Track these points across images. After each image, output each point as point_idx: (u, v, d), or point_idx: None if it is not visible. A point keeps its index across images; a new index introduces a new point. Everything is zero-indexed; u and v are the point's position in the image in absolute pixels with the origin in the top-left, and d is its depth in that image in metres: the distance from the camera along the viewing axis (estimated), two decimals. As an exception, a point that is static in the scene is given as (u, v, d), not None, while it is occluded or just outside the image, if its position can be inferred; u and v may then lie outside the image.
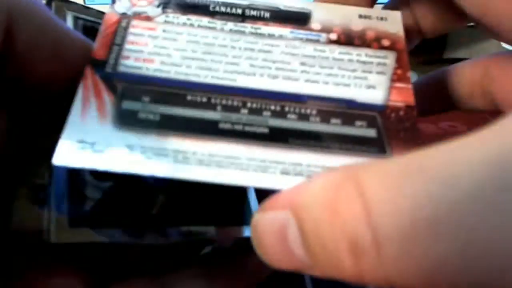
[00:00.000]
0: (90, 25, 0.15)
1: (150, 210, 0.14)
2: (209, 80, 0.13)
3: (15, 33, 0.11)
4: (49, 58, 0.12)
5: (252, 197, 0.18)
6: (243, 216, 0.18)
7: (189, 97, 0.13)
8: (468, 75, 0.16)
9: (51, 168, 0.11)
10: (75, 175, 0.12)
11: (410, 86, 0.14)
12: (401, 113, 0.14)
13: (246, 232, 0.16)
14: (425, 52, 0.41)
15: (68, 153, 0.11)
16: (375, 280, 0.08)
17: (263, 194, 0.11)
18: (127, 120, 0.12)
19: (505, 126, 0.08)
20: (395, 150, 0.13)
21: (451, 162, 0.08)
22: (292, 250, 0.09)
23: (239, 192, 0.18)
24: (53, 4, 0.15)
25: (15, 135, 0.12)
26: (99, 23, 0.15)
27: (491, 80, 0.16)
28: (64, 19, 0.15)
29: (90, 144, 0.11)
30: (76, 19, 0.15)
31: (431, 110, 0.18)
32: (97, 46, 0.13)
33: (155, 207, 0.14)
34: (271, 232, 0.10)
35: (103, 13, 0.15)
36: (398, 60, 0.15)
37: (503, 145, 0.08)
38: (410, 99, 0.14)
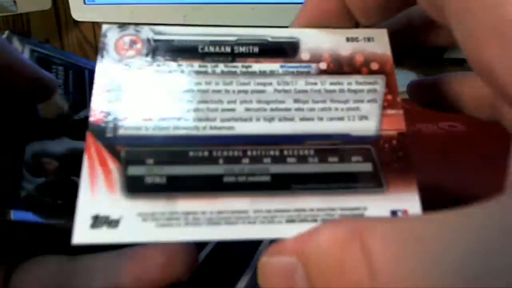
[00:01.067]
0: (44, 57, 0.20)
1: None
2: (208, 132, 0.14)
3: None
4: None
5: None
6: None
7: (191, 153, 0.13)
8: (478, 89, 0.16)
9: None
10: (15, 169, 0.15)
11: (401, 111, 0.15)
12: (394, 142, 0.14)
13: None
14: (425, 52, 0.40)
15: (86, 231, 0.12)
16: None
17: None
18: (135, 187, 0.13)
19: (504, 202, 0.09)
20: (390, 184, 0.13)
21: (443, 234, 0.09)
22: None
23: None
24: (14, 38, 0.20)
25: None
26: (50, 55, 0.20)
27: (503, 104, 0.15)
28: (23, 51, 0.20)
29: (104, 218, 0.12)
30: (32, 51, 0.19)
31: (433, 108, 0.18)
32: (93, 109, 0.14)
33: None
34: (278, 274, 0.11)
35: (55, 48, 0.19)
36: (388, 85, 0.15)
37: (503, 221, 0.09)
38: (402, 126, 0.14)
